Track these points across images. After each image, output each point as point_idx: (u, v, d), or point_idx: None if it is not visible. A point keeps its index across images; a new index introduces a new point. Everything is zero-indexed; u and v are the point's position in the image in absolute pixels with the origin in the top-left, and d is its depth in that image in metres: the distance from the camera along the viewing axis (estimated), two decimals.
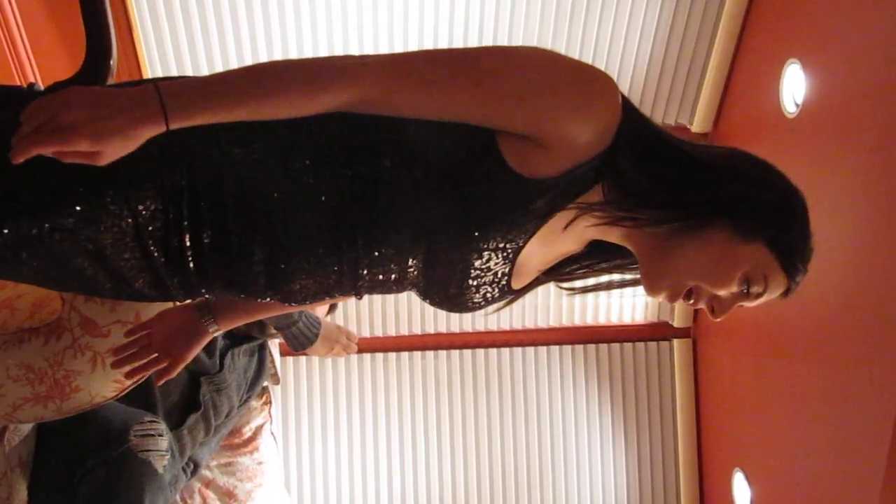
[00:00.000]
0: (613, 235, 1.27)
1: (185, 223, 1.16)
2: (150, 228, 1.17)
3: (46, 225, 1.14)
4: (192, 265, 1.20)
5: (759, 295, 1.23)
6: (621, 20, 3.13)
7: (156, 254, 1.19)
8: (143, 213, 1.15)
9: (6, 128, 1.17)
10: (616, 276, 1.43)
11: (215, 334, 1.59)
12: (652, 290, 1.25)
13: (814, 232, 1.24)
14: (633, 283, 1.39)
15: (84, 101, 1.02)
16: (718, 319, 1.25)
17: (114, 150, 1.03)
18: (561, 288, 1.46)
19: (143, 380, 1.95)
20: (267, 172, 1.15)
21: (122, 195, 1.13)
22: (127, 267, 1.21)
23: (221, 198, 1.15)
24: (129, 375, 1.59)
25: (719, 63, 3.20)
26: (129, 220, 1.15)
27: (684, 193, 1.19)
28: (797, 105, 2.71)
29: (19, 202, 1.14)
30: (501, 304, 1.39)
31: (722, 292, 1.22)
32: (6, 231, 1.14)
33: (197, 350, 1.59)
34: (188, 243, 1.18)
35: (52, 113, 1.01)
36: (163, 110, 1.03)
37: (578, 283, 1.46)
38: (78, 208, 1.13)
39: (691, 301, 1.23)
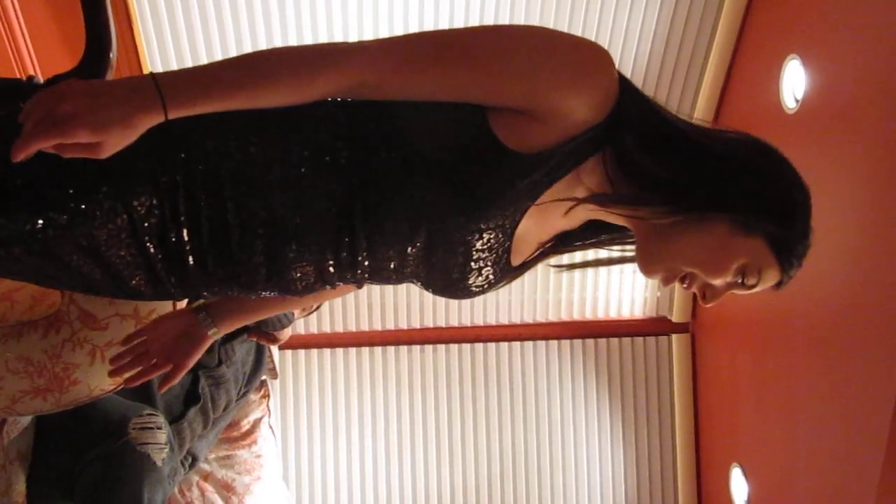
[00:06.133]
0: (612, 217, 1.27)
1: (182, 218, 1.16)
2: (146, 224, 1.16)
3: (40, 221, 1.13)
4: (191, 261, 1.20)
5: (751, 286, 1.24)
6: (622, 15, 3.13)
7: (152, 250, 1.18)
8: (139, 208, 1.14)
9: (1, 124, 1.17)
10: (615, 253, 1.42)
11: (215, 338, 1.57)
12: (647, 271, 1.25)
13: (814, 227, 1.25)
14: (632, 259, 1.40)
15: (81, 92, 1.01)
16: (708, 305, 1.26)
17: (114, 141, 1.02)
18: (558, 266, 1.46)
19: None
20: (264, 164, 1.15)
21: (117, 191, 1.13)
22: (122, 264, 1.20)
23: (219, 191, 1.15)
24: (127, 382, 1.56)
25: (719, 58, 3.20)
26: (125, 216, 1.15)
27: (691, 187, 1.19)
28: (797, 101, 2.70)
29: (13, 198, 1.13)
30: (501, 284, 1.38)
31: (717, 281, 1.23)
32: None
33: (198, 355, 1.56)
34: (186, 238, 1.18)
35: (49, 106, 0.99)
36: (161, 99, 1.02)
37: (578, 257, 1.45)
38: (72, 204, 1.12)
39: (685, 284, 1.24)
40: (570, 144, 1.15)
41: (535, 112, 1.13)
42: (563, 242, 1.38)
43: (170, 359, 1.54)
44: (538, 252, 1.37)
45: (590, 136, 1.16)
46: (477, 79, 1.12)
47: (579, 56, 1.13)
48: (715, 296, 1.25)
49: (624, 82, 1.18)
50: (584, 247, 1.42)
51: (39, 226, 1.14)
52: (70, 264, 1.20)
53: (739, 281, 1.23)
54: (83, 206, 1.13)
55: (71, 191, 1.12)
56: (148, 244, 1.18)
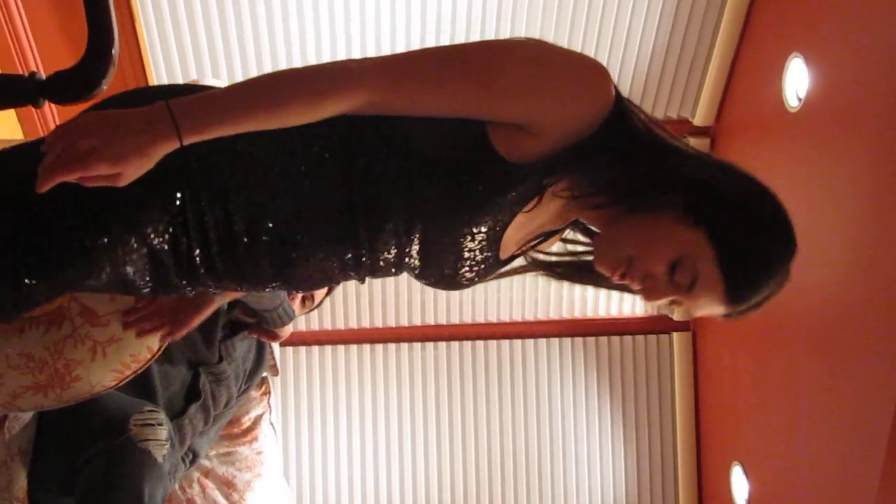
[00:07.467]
0: (587, 216, 1.32)
1: (192, 233, 1.21)
2: (156, 242, 1.22)
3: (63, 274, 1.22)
4: (202, 269, 1.26)
5: (686, 286, 1.21)
6: (624, 13, 3.13)
7: (165, 259, 1.24)
8: (151, 234, 1.20)
9: (8, 165, 1.23)
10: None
11: (220, 303, 1.68)
12: (598, 256, 1.28)
13: (785, 252, 1.23)
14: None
15: (99, 126, 1.06)
16: (648, 301, 1.26)
17: (133, 171, 1.08)
18: (551, 273, 1.48)
19: (144, 367, 1.96)
20: (269, 176, 1.20)
21: (127, 222, 1.18)
22: (135, 275, 1.26)
23: (224, 204, 1.20)
24: (139, 335, 1.73)
25: (722, 56, 3.19)
26: (137, 242, 1.21)
27: (637, 171, 1.21)
28: (800, 99, 2.70)
29: (34, 257, 1.20)
30: (491, 277, 1.43)
31: (654, 269, 1.22)
32: (34, 282, 1.21)
33: (204, 316, 1.71)
34: (197, 251, 1.23)
35: (70, 141, 1.05)
36: (175, 127, 1.07)
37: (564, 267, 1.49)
38: (87, 244, 1.18)
39: (626, 275, 1.23)
40: (561, 156, 1.19)
41: (531, 126, 1.17)
42: (547, 238, 1.42)
43: (176, 317, 1.72)
44: (524, 246, 1.40)
45: (579, 148, 1.19)
46: (477, 97, 1.16)
47: (576, 74, 1.17)
48: (652, 290, 1.23)
49: (618, 97, 1.21)
50: (566, 241, 1.47)
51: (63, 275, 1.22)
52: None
53: (674, 276, 1.21)
54: (98, 242, 1.19)
55: (87, 226, 1.19)
56: (161, 256, 1.24)
